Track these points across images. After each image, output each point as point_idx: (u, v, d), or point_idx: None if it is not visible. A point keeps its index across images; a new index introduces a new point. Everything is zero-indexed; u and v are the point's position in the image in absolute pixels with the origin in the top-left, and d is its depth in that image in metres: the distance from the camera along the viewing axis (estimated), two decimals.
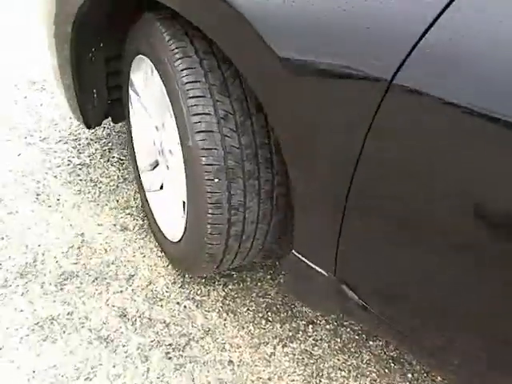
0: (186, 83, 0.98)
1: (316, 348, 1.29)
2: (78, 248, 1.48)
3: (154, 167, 1.47)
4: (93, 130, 1.89)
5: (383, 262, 0.90)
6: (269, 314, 1.36)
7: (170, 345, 1.27)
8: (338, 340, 1.31)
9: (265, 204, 1.07)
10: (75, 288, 1.38)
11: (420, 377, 1.25)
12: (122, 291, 1.38)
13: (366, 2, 0.73)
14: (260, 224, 1.10)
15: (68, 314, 1.31)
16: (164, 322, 1.32)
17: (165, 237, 1.39)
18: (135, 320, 1.32)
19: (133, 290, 1.39)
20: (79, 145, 1.84)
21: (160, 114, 1.25)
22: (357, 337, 1.32)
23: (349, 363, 1.26)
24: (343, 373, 1.24)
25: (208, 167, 0.99)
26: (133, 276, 1.42)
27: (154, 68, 1.14)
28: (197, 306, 1.36)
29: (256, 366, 1.24)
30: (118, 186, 1.70)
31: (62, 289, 1.37)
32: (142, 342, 1.27)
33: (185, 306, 1.36)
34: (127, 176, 1.74)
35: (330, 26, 0.75)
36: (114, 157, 1.81)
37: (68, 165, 1.75)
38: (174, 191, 1.30)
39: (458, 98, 0.66)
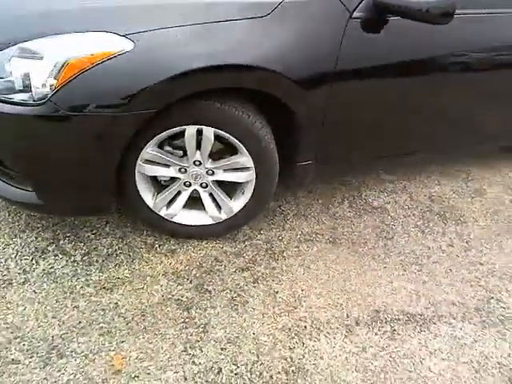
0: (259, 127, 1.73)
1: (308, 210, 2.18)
2: (186, 323, 1.61)
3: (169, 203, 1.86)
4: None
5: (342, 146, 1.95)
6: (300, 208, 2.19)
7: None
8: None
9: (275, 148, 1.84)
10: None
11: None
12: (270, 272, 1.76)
13: None
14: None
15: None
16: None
17: (218, 223, 1.91)
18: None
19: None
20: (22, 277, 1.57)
21: (193, 156, 1.74)
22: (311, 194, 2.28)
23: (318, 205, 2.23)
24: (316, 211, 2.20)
25: (273, 149, 1.77)
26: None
27: (207, 129, 1.65)
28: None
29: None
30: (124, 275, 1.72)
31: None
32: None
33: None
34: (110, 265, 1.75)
35: None
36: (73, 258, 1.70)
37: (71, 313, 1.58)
38: (219, 193, 1.85)
39: None
